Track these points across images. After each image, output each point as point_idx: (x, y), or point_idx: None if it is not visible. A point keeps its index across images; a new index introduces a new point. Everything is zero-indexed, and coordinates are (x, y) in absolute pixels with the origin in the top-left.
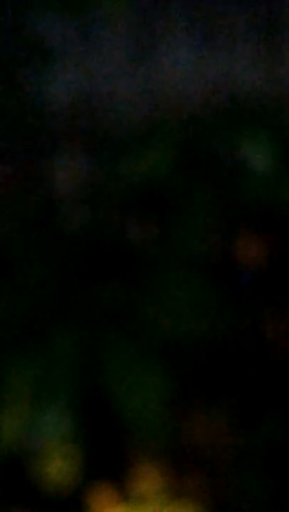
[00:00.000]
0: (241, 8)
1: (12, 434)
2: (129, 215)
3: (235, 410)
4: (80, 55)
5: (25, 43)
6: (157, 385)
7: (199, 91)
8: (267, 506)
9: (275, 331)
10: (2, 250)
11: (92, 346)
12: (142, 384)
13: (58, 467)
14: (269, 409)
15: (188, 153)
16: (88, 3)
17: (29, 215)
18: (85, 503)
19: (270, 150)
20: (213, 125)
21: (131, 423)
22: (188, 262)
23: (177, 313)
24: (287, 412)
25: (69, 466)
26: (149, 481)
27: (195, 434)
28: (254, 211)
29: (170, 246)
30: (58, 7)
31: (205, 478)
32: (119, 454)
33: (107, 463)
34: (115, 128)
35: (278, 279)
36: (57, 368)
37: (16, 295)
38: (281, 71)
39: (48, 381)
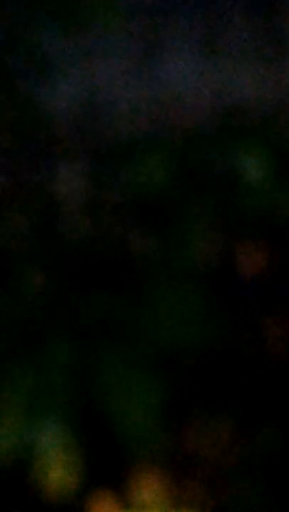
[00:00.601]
0: (243, 19)
1: (9, 443)
2: (129, 225)
3: (235, 419)
4: (81, 65)
5: (27, 54)
6: (153, 395)
7: (200, 102)
8: (265, 509)
9: (276, 339)
10: (2, 259)
11: (88, 356)
12: (138, 394)
13: (58, 475)
14: (269, 418)
15: (187, 164)
16: (89, 15)
17: (30, 225)
18: (86, 509)
19: (267, 162)
20: (212, 137)
21: (127, 433)
22: (187, 271)
23: (176, 322)
24: (287, 420)
25: (69, 474)
26: (149, 489)
27: (194, 443)
28: (252, 221)
29: (169, 255)
30: (60, 19)
31: (205, 486)
32: (119, 462)
33: (107, 471)
34: (116, 138)
35: (278, 287)
36: (53, 377)
37: (14, 304)
38: (282, 81)
39: (44, 390)
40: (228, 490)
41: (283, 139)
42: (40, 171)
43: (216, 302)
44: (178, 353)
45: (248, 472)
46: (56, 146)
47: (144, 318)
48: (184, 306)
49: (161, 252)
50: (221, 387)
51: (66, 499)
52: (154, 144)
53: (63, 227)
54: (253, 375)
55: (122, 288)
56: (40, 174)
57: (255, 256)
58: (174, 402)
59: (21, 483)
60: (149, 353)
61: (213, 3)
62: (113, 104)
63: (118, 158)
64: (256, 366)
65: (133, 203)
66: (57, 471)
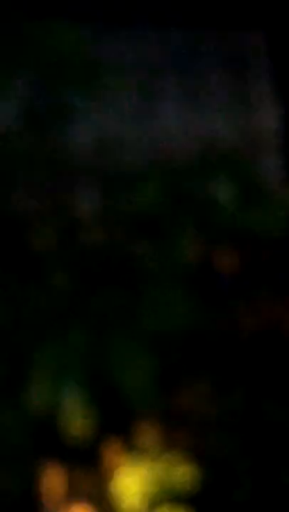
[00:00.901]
0: (219, 78)
1: (42, 401)
2: (132, 235)
3: (213, 383)
4: (96, 112)
5: (55, 106)
6: (150, 365)
7: (186, 141)
8: (239, 456)
9: (244, 320)
10: (37, 261)
11: (101, 336)
12: (139, 364)
13: (78, 425)
14: (239, 382)
15: (176, 190)
16: (101, 77)
17: (58, 235)
18: (99, 453)
19: (234, 188)
20: (195, 169)
21: (131, 393)
22: (176, 271)
23: (167, 309)
24: (254, 385)
25: (86, 424)
26: (147, 436)
27: (182, 401)
28: (224, 233)
29: (162, 258)
30: (80, 80)
31: (190, 433)
32: (124, 415)
33: (116, 422)
34: (122, 169)
35: (245, 281)
36: (74, 352)
37: (45, 296)
38: (247, 127)
39: (67, 362)
40: (208, 436)
41: (247, 170)
42: (64, 195)
43: (198, 293)
44: (169, 333)
45: (223, 423)
46: (77, 175)
47: (144, 307)
48: (174, 297)
49: (156, 256)
50: (202, 359)
51: (85, 443)
52: (151, 174)
53: (83, 236)
54: (228, 349)
55: (127, 283)
56: (65, 197)
57: (227, 258)
58: (166, 370)
59: (51, 431)
60: (147, 334)
61: (196, 65)
62: (120, 143)
63: (124, 184)
64: (230, 342)
65: (135, 219)
66: (77, 422)
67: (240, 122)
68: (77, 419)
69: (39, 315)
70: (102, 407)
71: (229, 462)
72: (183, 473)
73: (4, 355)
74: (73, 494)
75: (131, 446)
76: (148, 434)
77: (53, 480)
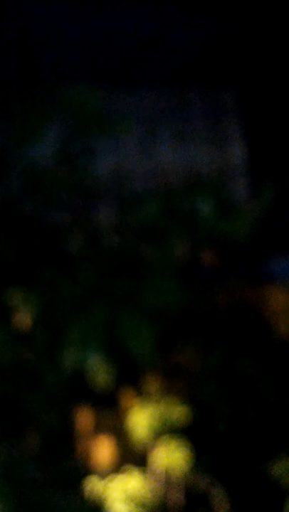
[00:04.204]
0: (200, 122)
1: (71, 361)
2: (138, 240)
3: (199, 345)
4: (111, 151)
5: (80, 146)
6: (153, 334)
7: (176, 171)
8: (219, 399)
9: (223, 300)
10: (68, 261)
11: (115, 314)
12: (144, 333)
13: (101, 378)
14: (218, 344)
15: (169, 206)
16: (114, 125)
17: (84, 242)
18: (117, 398)
19: (214, 205)
20: (183, 191)
21: (139, 354)
22: (170, 264)
23: (164, 293)
24: (230, 346)
25: (107, 377)
26: (152, 385)
27: (177, 359)
28: (207, 237)
29: (160, 257)
30: (99, 128)
31: (183, 383)
32: (135, 370)
33: (129, 375)
34: (131, 192)
35: (223, 273)
36: (95, 326)
37: (73, 286)
38: (223, 159)
39: (90, 332)
40: (196, 384)
41: (221, 192)
42: (89, 211)
43: (187, 281)
44: (166, 310)
45: (207, 374)
46: (98, 197)
47: (147, 291)
48: (169, 284)
49: (156, 254)
50: (191, 328)
51: (106, 391)
52: (151, 195)
53: (104, 240)
54: (210, 320)
55: (135, 275)
56: (89, 212)
57: (208, 255)
58: (164, 337)
59: (82, 383)
60: (149, 311)
61: (183, 116)
62: (129, 173)
63: (132, 203)
64: (211, 315)
65: (140, 228)
66: (100, 376)
67: (217, 156)
68: (100, 374)
69: (71, 299)
70: (119, 365)
71: (212, 403)
72: (178, 412)
73: (46, 329)
74: (99, 428)
75: (140, 393)
76: (152, 384)
77: (83, 418)
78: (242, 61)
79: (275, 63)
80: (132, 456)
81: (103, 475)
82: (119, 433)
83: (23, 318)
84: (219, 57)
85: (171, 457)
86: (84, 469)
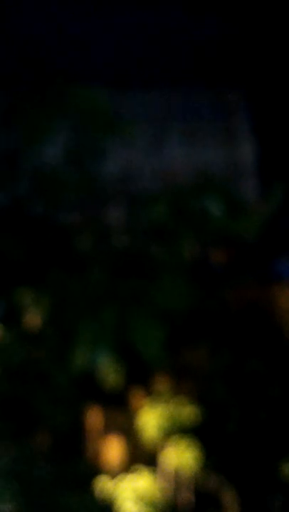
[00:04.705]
0: (210, 122)
1: (82, 361)
2: (148, 239)
3: (208, 346)
4: (120, 151)
5: (89, 146)
6: (163, 334)
7: (186, 170)
8: (228, 399)
9: (233, 300)
10: (79, 260)
11: (124, 314)
12: (154, 333)
13: (111, 378)
14: (226, 346)
15: (179, 206)
16: (123, 125)
17: (94, 241)
18: (127, 398)
19: (223, 204)
20: (193, 190)
21: (149, 355)
22: (180, 264)
23: (175, 292)
24: (239, 346)
25: (118, 377)
26: (162, 385)
27: (186, 360)
28: (216, 236)
29: (169, 257)
30: (107, 128)
31: (192, 383)
32: (145, 371)
33: (139, 376)
34: (140, 190)
35: (232, 272)
36: (105, 326)
37: (84, 286)
38: (232, 159)
39: (101, 333)
40: (205, 385)
41: (231, 191)
42: (98, 210)
43: (197, 280)
44: (175, 310)
45: (216, 375)
46: (107, 196)
47: (156, 291)
48: (178, 284)
49: (165, 254)
50: (200, 329)
51: (116, 391)
52: (160, 194)
53: (113, 241)
54: (219, 320)
55: (144, 275)
56: (99, 212)
57: (217, 254)
58: (174, 338)
59: (92, 382)
60: (159, 311)
61: (193, 114)
62: (138, 172)
63: (141, 202)
64: (220, 315)
65: (149, 227)
66: (110, 376)
67: (226, 156)
68: (110, 374)
69: (81, 299)
70: (128, 365)
71: (222, 403)
72: (188, 411)
73: (56, 329)
74: (108, 428)
75: (150, 393)
76: (162, 384)
77: (93, 418)
78: (251, 60)
79: (284, 62)
80: (142, 456)
81: (113, 474)
82: (129, 433)
83: (34, 319)
84: (228, 56)
85: (180, 457)
86: (94, 469)
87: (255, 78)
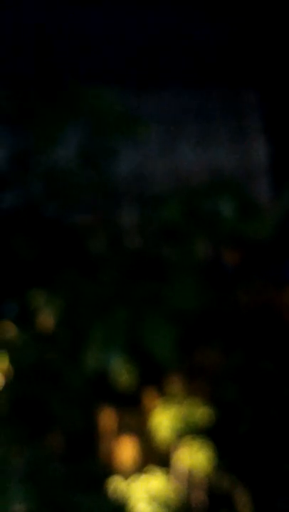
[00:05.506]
0: (223, 123)
1: (95, 363)
2: (160, 240)
3: (220, 347)
4: (133, 152)
5: (102, 147)
6: (175, 335)
7: (198, 171)
8: (241, 400)
9: (245, 301)
10: (92, 261)
11: (137, 315)
12: (166, 334)
13: (124, 378)
14: (238, 346)
15: (191, 207)
16: (136, 126)
17: (107, 241)
18: (140, 399)
19: (235, 205)
20: (205, 191)
21: (162, 355)
22: (192, 264)
23: (187, 293)
24: (251, 347)
25: (131, 378)
26: (175, 386)
27: (198, 361)
28: (228, 237)
29: (181, 258)
30: (121, 129)
31: (204, 384)
32: (157, 371)
33: (152, 376)
34: (152, 192)
35: (245, 273)
36: (117, 329)
37: (96, 285)
38: (244, 159)
39: (113, 334)
40: (218, 385)
41: (243, 192)
42: (111, 211)
43: (208, 281)
44: (187, 311)
45: (229, 375)
46: (120, 197)
47: (168, 292)
48: (190, 284)
49: (177, 255)
50: (212, 329)
51: (129, 392)
52: (173, 195)
53: (125, 242)
54: (231, 321)
55: (156, 275)
56: (112, 213)
57: (229, 255)
58: (186, 338)
59: (105, 383)
60: (171, 312)
61: (205, 115)
62: (151, 173)
63: (153, 203)
64: (233, 316)
65: (162, 228)
66: (123, 377)
67: (239, 157)
68: (123, 375)
69: (93, 300)
70: (141, 366)
71: (234, 404)
72: (201, 412)
73: (69, 329)
74: (122, 429)
75: (163, 394)
76: (175, 385)
77: (106, 419)
78: (264, 59)
79: None
80: (155, 457)
81: (126, 475)
82: (142, 433)
83: (46, 320)
84: (240, 55)
85: (194, 458)
86: (107, 469)
87: (269, 79)
